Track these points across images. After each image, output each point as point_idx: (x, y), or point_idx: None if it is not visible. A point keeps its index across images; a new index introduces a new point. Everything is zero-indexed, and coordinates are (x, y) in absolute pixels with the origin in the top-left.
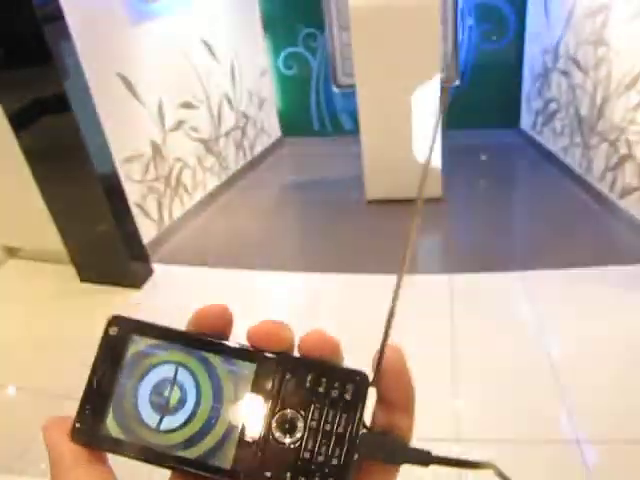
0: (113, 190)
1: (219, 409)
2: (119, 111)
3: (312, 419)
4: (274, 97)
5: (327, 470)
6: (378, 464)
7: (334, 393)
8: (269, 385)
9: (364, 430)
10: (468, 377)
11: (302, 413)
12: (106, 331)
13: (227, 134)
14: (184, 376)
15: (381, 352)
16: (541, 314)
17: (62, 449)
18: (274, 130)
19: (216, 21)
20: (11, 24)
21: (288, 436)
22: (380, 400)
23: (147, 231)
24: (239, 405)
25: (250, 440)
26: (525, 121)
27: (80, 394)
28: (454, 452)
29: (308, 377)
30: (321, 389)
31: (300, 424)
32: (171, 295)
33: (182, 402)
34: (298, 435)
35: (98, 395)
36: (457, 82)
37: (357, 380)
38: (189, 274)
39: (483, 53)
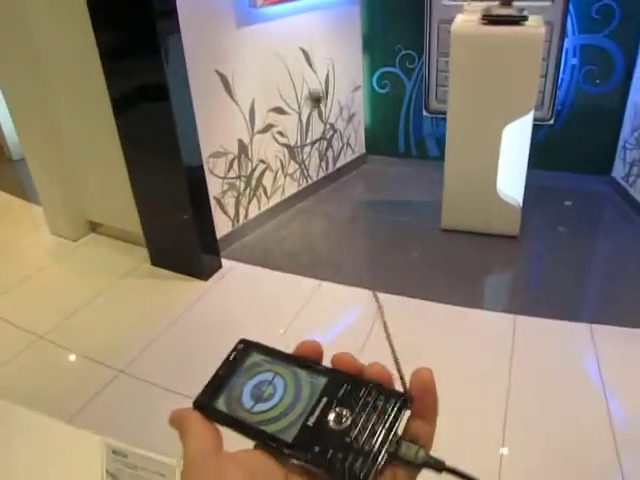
0: (196, 182)
1: (295, 403)
2: (213, 107)
3: (359, 417)
4: (363, 114)
5: (361, 454)
6: (402, 465)
7: (379, 403)
8: (333, 392)
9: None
10: (519, 422)
11: (352, 411)
12: (236, 346)
13: (313, 143)
14: (278, 380)
15: (402, 378)
16: (605, 369)
17: (188, 414)
18: (359, 146)
19: (317, 32)
20: (128, 14)
21: (337, 425)
22: (412, 413)
23: (222, 226)
24: (309, 402)
25: (310, 425)
26: (618, 170)
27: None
28: None
29: (363, 389)
30: (370, 399)
31: (349, 418)
32: (235, 290)
33: (272, 396)
34: (345, 426)
35: (218, 383)
36: (551, 121)
37: (400, 398)
38: (255, 273)
39: (583, 95)
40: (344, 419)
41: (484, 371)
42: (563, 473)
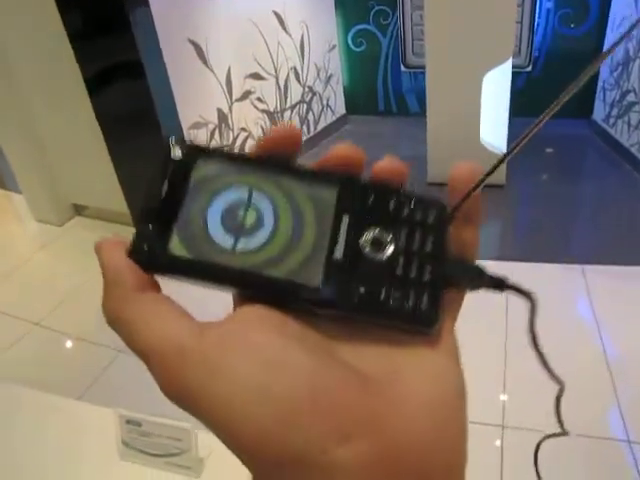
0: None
1: (301, 229)
2: (189, 77)
3: (400, 238)
4: (341, 74)
5: (420, 286)
6: (455, 288)
7: (418, 216)
8: (352, 207)
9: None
10: (518, 366)
11: (390, 232)
12: (167, 154)
13: (292, 107)
14: (259, 198)
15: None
16: (599, 309)
17: (123, 268)
18: (339, 107)
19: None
20: None
21: (379, 253)
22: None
23: None
24: (322, 226)
25: (339, 257)
26: (598, 112)
27: None
28: (498, 443)
29: (392, 200)
30: (405, 212)
31: (389, 242)
32: None
33: (259, 224)
34: (389, 252)
35: (159, 216)
36: (529, 68)
37: (437, 207)
38: None
39: (560, 38)
40: (384, 243)
41: (481, 319)
42: (564, 408)
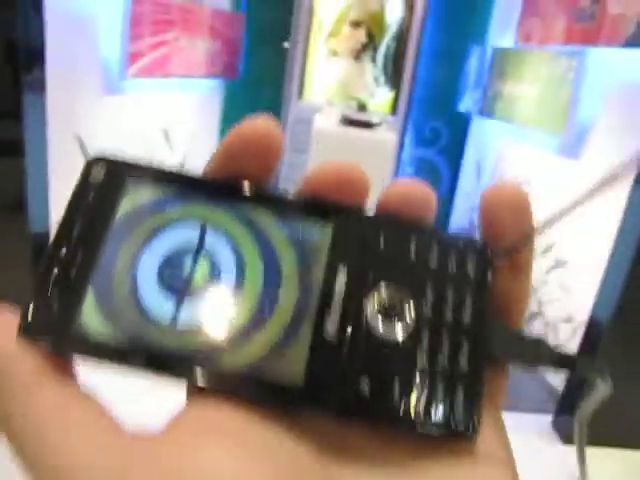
0: (41, 249)
1: (275, 290)
2: (67, 171)
3: (425, 303)
4: None
5: (452, 377)
6: (495, 368)
7: (452, 267)
8: (355, 256)
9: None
10: None
11: (409, 294)
12: (85, 176)
13: None
14: (216, 240)
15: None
16: None
17: (12, 352)
18: None
19: (179, 114)
20: None
21: (392, 328)
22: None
23: None
24: (308, 284)
25: (332, 336)
26: None
27: None
28: None
29: (412, 245)
30: (433, 262)
31: (407, 310)
32: None
33: (213, 280)
34: (408, 327)
35: (68, 271)
36: None
37: (478, 249)
38: None
39: None
40: (401, 312)
41: None
42: None
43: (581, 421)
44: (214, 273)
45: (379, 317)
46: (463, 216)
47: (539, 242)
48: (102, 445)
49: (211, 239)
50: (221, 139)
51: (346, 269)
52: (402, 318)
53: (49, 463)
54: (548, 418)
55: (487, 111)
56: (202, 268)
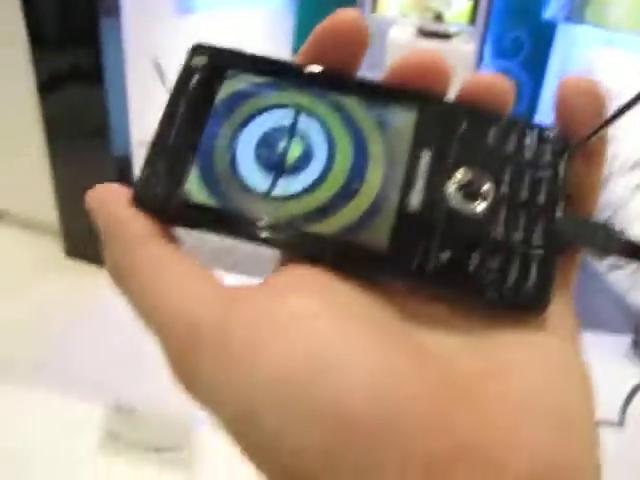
0: (124, 172)
1: (363, 168)
2: (146, 95)
3: (503, 183)
4: None
5: (527, 252)
6: (567, 253)
7: (528, 152)
8: (437, 139)
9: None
10: None
11: (488, 175)
12: (188, 63)
13: None
14: (308, 125)
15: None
16: None
17: (125, 218)
18: None
19: (251, 30)
20: None
21: (473, 204)
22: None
23: None
24: (394, 164)
25: (416, 209)
26: None
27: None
28: None
29: (491, 130)
30: (511, 146)
31: (487, 189)
32: None
33: (307, 158)
34: (486, 203)
35: (174, 147)
36: None
37: (553, 138)
38: None
39: None
40: (480, 190)
41: None
42: None
43: None
44: (306, 151)
45: (460, 194)
46: None
47: (627, 157)
48: (203, 296)
49: (304, 121)
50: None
51: (429, 151)
52: (481, 196)
53: (164, 309)
54: (627, 339)
55: (575, 16)
56: (296, 146)
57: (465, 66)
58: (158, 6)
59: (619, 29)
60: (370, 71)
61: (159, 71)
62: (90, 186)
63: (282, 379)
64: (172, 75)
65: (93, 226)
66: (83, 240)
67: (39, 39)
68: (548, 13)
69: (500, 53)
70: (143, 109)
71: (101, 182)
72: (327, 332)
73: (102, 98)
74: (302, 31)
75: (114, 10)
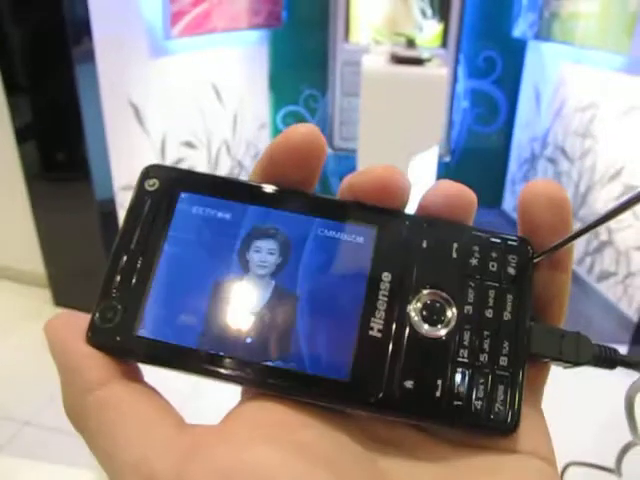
0: (108, 218)
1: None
2: (124, 138)
3: (467, 303)
4: None
5: (494, 374)
6: (536, 363)
7: (492, 266)
8: (398, 258)
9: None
10: None
11: (452, 295)
12: (140, 186)
13: None
14: (265, 244)
15: None
16: None
17: (82, 357)
18: None
19: (227, 68)
20: (39, 40)
21: (436, 328)
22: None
23: None
24: (353, 287)
25: (377, 334)
26: (508, 203)
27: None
28: None
29: (454, 245)
30: (474, 261)
31: (450, 309)
32: None
33: (264, 285)
34: (450, 325)
35: (128, 280)
36: (447, 158)
37: (519, 248)
38: None
39: (474, 135)
40: (444, 311)
41: None
42: None
43: None
44: (264, 278)
45: (422, 317)
46: (525, 148)
47: (607, 168)
48: (161, 446)
49: (259, 246)
50: (270, 145)
51: (389, 273)
52: (444, 317)
53: (121, 457)
54: (623, 349)
55: (544, 34)
56: (254, 271)
57: (440, 90)
58: (132, 50)
59: (585, 46)
60: (348, 99)
61: (136, 112)
62: (74, 234)
63: None
64: (149, 118)
65: (79, 273)
66: (71, 287)
67: (14, 87)
68: (517, 32)
69: (473, 73)
70: (122, 151)
71: (85, 228)
72: None
73: (82, 142)
74: (277, 65)
75: (89, 56)
